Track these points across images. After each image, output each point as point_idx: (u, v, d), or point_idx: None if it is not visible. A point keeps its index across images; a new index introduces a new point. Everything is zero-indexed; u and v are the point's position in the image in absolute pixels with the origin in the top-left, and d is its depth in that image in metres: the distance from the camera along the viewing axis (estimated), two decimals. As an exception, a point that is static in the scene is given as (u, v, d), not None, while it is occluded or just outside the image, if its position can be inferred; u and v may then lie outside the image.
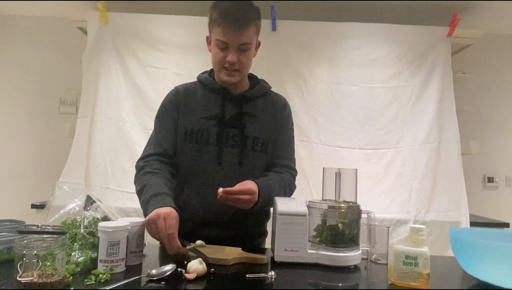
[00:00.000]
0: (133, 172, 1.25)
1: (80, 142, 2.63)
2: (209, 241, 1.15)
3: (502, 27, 3.09)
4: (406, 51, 2.70)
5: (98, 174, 2.53)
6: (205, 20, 1.28)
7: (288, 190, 1.31)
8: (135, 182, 1.25)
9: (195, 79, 1.39)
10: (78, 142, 2.65)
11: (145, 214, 1.09)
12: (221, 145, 1.26)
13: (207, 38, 1.31)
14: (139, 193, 1.19)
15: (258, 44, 1.33)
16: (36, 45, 3.22)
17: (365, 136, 2.64)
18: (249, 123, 1.29)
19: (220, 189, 1.11)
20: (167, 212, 1.01)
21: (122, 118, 2.62)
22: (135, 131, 2.61)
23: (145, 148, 1.32)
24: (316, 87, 2.71)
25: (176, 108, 1.31)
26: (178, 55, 2.70)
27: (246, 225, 1.30)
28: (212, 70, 1.36)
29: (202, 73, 1.39)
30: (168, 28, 2.72)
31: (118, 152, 2.56)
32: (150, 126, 2.60)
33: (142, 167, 1.24)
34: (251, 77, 1.40)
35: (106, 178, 2.52)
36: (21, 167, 3.16)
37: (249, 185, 1.15)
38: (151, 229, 1.02)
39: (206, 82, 1.34)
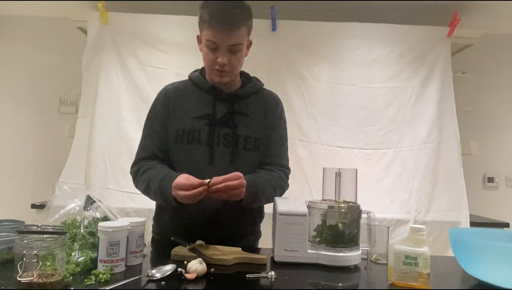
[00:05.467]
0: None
1: (80, 142, 2.63)
2: (202, 241, 1.14)
3: (502, 27, 3.08)
4: (406, 51, 2.69)
5: (98, 174, 2.53)
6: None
7: (279, 189, 1.28)
8: (137, 185, 1.28)
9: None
10: (78, 142, 2.65)
11: (166, 199, 1.16)
12: (213, 144, 1.25)
13: (197, 37, 1.29)
14: (147, 190, 1.23)
15: (250, 44, 1.31)
16: (36, 45, 3.22)
17: (365, 136, 2.64)
18: (240, 122, 1.28)
19: (207, 181, 1.08)
20: (177, 183, 1.10)
21: (122, 118, 2.62)
22: (135, 131, 2.60)
23: (136, 153, 1.33)
24: (316, 87, 2.70)
25: (166, 109, 1.30)
26: (178, 55, 2.69)
27: (240, 224, 1.29)
28: (203, 68, 1.34)
29: (194, 71, 1.38)
30: (168, 28, 2.71)
31: (118, 152, 2.56)
32: (150, 126, 2.63)
33: (137, 170, 1.27)
34: (243, 75, 1.39)
35: (106, 178, 2.52)
36: (21, 167, 3.16)
37: (233, 172, 1.12)
38: (188, 198, 1.09)
39: (197, 81, 1.33)
